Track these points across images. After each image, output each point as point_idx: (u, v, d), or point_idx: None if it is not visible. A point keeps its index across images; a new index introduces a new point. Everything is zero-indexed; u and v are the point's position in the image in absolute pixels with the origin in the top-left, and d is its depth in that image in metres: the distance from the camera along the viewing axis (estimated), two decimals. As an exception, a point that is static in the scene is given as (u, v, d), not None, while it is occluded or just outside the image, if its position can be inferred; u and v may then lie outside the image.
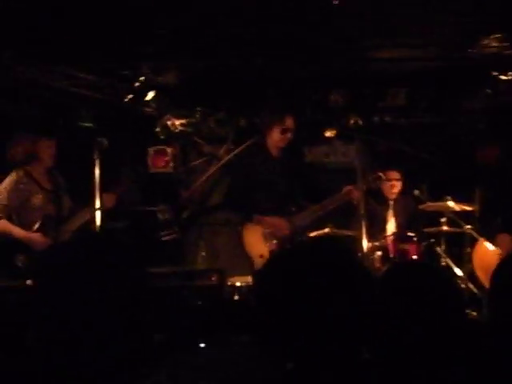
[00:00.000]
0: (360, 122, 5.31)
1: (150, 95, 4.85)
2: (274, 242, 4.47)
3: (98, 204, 3.80)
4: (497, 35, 3.91)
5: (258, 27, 3.98)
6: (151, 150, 5.53)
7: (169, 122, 5.36)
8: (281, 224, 4.53)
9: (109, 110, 4.93)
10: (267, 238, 4.50)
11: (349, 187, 4.62)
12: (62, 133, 4.56)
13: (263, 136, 4.63)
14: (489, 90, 4.81)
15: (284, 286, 1.28)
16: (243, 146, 5.54)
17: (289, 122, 4.50)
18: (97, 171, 3.81)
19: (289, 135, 4.52)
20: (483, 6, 3.59)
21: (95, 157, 3.84)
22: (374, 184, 4.85)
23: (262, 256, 4.27)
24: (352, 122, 5.30)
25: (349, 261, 1.34)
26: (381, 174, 4.81)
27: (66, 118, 4.88)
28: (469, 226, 5.35)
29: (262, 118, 4.74)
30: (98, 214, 3.83)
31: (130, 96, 4.75)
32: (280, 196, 4.59)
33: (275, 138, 4.50)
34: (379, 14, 3.83)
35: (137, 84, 4.65)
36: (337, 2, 3.59)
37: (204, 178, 5.59)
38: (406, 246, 5.43)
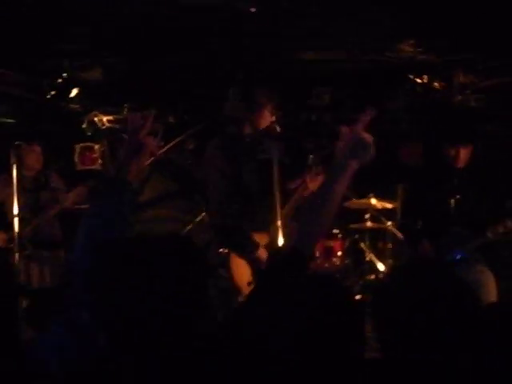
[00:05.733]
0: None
1: (74, 92, 4.79)
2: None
3: (15, 208, 3.76)
4: (410, 41, 4.07)
5: (179, 25, 4.00)
6: (78, 147, 5.44)
7: (96, 119, 5.29)
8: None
9: (31, 106, 4.82)
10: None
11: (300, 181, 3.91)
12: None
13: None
14: (407, 91, 4.99)
15: None
16: (173, 143, 5.56)
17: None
18: (14, 175, 3.77)
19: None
20: (398, 13, 3.74)
21: (12, 161, 3.80)
22: None
23: (250, 284, 3.59)
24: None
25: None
26: None
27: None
28: (390, 223, 5.57)
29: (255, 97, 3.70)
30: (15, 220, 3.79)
31: (53, 92, 4.66)
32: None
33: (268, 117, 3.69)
34: (301, 17, 3.91)
35: (59, 80, 4.57)
36: (254, 10, 3.65)
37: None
38: (331, 243, 5.58)
